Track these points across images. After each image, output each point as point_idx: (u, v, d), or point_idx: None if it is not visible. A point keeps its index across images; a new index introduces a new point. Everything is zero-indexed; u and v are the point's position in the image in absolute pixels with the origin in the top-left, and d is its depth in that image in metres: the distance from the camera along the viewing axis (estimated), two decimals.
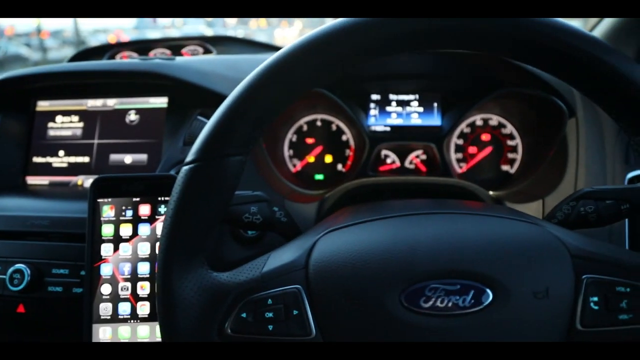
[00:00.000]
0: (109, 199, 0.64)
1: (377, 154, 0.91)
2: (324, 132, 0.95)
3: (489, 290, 0.46)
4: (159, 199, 0.64)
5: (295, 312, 0.49)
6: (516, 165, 0.92)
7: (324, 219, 0.64)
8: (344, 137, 0.94)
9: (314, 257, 0.50)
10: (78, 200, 0.76)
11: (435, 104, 0.91)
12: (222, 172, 0.48)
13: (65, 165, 0.85)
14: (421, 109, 0.91)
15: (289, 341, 0.48)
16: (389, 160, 0.92)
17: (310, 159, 0.94)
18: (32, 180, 0.86)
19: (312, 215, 0.79)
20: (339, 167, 0.94)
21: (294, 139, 0.95)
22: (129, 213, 0.64)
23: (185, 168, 0.49)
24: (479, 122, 0.92)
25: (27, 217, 0.73)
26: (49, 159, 0.86)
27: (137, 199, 0.64)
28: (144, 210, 0.64)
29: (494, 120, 0.92)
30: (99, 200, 0.64)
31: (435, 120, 0.90)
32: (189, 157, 0.49)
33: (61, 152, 0.85)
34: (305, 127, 0.95)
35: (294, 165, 0.95)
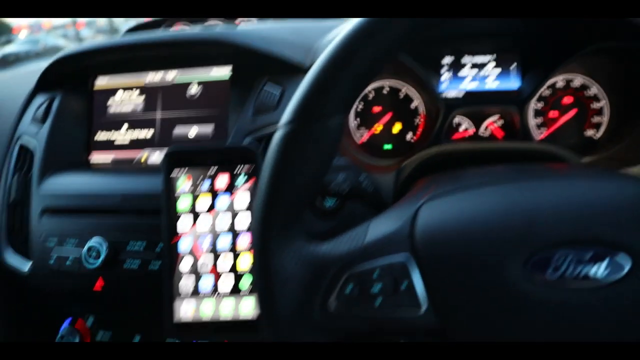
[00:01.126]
0: (185, 172, 0.61)
1: (450, 121, 0.86)
2: (392, 100, 0.89)
3: (627, 257, 0.41)
4: (237, 168, 0.61)
5: (404, 284, 0.45)
6: (602, 129, 0.85)
7: (410, 188, 0.60)
8: (413, 105, 0.89)
9: (420, 225, 0.46)
10: (145, 175, 0.74)
11: (514, 66, 0.84)
12: (322, 134, 0.44)
13: (128, 141, 0.82)
14: (498, 71, 0.85)
15: (398, 317, 0.45)
16: (462, 128, 0.87)
17: (378, 128, 0.90)
18: (95, 157, 0.84)
19: (388, 186, 0.75)
20: (409, 136, 0.89)
21: (361, 107, 0.90)
22: (206, 184, 0.61)
23: (281, 132, 0.45)
24: (561, 84, 0.85)
25: (98, 194, 0.71)
26: (111, 136, 0.83)
27: (214, 170, 0.61)
28: (222, 181, 0.61)
29: (577, 81, 0.85)
30: (173, 172, 0.61)
31: (513, 83, 0.84)
32: (285, 119, 0.45)
33: (123, 128, 0.83)
34: (372, 95, 0.90)
35: (361, 136, 0.90)
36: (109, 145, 0.83)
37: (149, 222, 0.67)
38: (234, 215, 0.60)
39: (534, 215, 0.43)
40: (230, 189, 0.61)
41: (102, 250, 0.66)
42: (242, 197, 0.61)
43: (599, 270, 0.41)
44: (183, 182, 0.61)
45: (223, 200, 0.61)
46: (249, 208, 0.60)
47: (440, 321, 0.44)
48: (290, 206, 0.45)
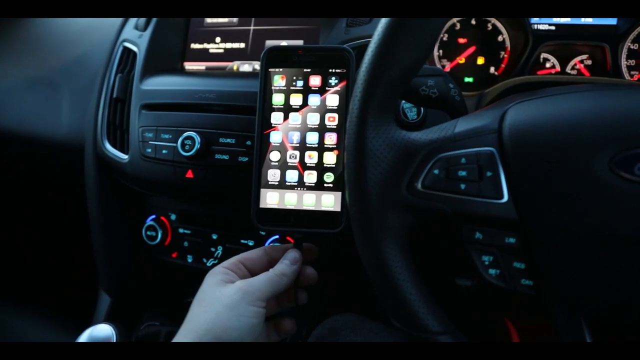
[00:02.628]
0: (280, 69, 0.65)
1: (537, 57, 0.85)
2: (478, 32, 0.89)
3: None
4: (330, 70, 0.64)
5: (488, 173, 0.47)
6: None
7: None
8: (499, 38, 0.88)
9: (509, 122, 0.48)
10: (238, 78, 0.78)
11: None
12: (425, 27, 0.46)
13: (221, 50, 0.87)
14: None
15: (480, 202, 0.47)
16: (548, 65, 0.86)
17: (461, 60, 0.90)
18: (190, 65, 0.89)
19: (472, 108, 0.76)
20: (492, 70, 0.89)
21: (445, 38, 0.90)
22: (300, 83, 0.64)
23: (387, 19, 0.47)
24: None
25: (195, 90, 0.76)
26: (205, 45, 0.88)
27: (308, 70, 0.64)
28: (315, 81, 0.64)
29: None
30: (270, 69, 0.65)
31: (609, 18, 0.82)
32: None
33: (218, 39, 0.88)
34: (457, 26, 0.90)
35: (443, 67, 0.91)
36: (203, 55, 0.88)
37: (240, 118, 0.72)
38: (323, 114, 0.64)
39: (622, 115, 0.44)
40: (322, 90, 0.64)
41: (196, 141, 0.71)
42: (332, 98, 0.64)
43: None
44: (279, 79, 0.64)
45: (314, 99, 0.64)
46: (337, 109, 0.63)
47: (519, 213, 0.46)
48: (388, 91, 0.48)
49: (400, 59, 0.47)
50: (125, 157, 0.81)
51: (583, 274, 0.45)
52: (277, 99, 0.64)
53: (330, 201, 0.63)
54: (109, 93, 0.86)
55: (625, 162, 0.43)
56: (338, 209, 0.62)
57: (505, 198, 0.46)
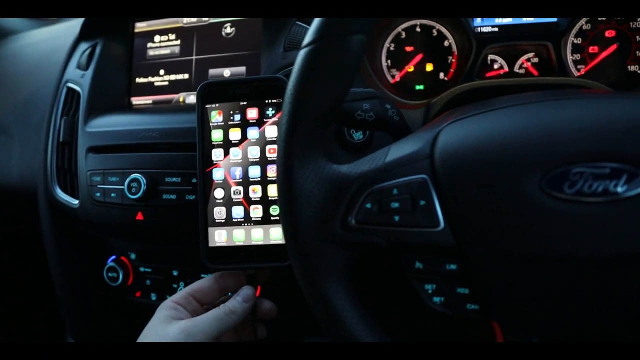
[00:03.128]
0: (217, 104, 0.64)
1: (483, 59, 0.84)
2: (424, 39, 0.88)
3: None
4: (267, 101, 0.63)
5: (422, 202, 0.46)
6: None
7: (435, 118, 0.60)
8: (445, 43, 0.88)
9: (440, 146, 0.47)
10: (182, 113, 0.77)
11: None
12: (345, 51, 0.45)
13: (166, 83, 0.86)
14: None
15: (416, 232, 0.46)
16: (496, 66, 0.85)
17: (410, 68, 0.89)
18: (136, 100, 0.88)
19: (418, 120, 0.75)
20: (441, 75, 0.88)
21: (392, 47, 0.89)
22: (237, 117, 0.63)
23: (304, 50, 0.46)
24: (602, 17, 0.82)
25: (138, 130, 0.75)
26: (150, 79, 0.87)
27: (244, 103, 0.63)
28: (252, 113, 0.63)
29: None
30: (207, 105, 0.64)
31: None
32: (307, 38, 0.46)
33: (162, 71, 0.86)
34: (403, 35, 0.89)
35: (393, 76, 0.90)
36: (148, 89, 0.87)
37: (183, 156, 0.71)
38: (263, 146, 0.63)
39: (552, 131, 0.43)
40: (260, 122, 0.63)
41: (142, 182, 0.70)
42: (271, 129, 0.63)
43: (617, 185, 0.41)
44: (216, 115, 0.63)
45: (253, 133, 0.63)
46: (277, 140, 0.62)
47: (456, 238, 0.45)
48: (313, 126, 0.47)
49: (320, 95, 0.46)
50: (76, 202, 0.80)
51: (524, 296, 0.44)
52: (216, 135, 0.63)
53: (278, 234, 0.62)
54: (55, 136, 0.85)
55: (555, 181, 0.42)
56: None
57: (442, 225, 0.46)
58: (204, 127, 0.63)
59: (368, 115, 0.58)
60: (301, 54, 0.46)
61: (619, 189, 0.40)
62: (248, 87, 0.63)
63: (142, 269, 0.84)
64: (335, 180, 0.48)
